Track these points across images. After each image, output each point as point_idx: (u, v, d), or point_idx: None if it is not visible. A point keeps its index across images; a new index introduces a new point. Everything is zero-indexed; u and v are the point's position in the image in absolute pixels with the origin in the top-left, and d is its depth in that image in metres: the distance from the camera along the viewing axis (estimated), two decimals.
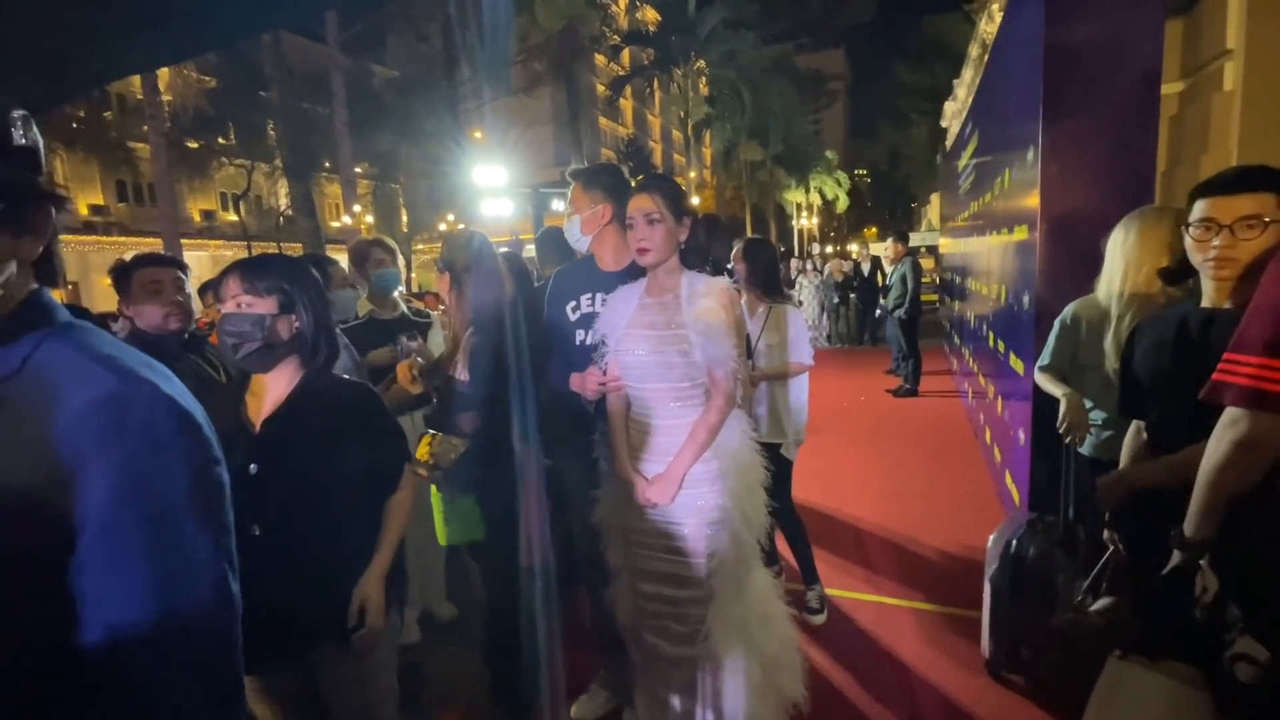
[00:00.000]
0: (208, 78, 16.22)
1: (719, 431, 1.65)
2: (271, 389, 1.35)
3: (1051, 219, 2.86)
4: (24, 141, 0.60)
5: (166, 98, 14.89)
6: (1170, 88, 2.91)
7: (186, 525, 0.59)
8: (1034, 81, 2.93)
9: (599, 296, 1.91)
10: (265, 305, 1.31)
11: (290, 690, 1.36)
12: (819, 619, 2.63)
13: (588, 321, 1.89)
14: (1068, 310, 2.14)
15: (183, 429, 0.60)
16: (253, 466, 1.26)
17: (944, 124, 9.55)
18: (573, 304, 1.97)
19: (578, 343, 1.93)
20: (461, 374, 1.86)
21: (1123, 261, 1.89)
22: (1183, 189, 2.91)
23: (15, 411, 0.56)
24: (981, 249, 5.15)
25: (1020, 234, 3.34)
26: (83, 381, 0.57)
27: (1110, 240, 1.96)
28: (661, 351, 1.64)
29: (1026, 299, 3.16)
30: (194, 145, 16.24)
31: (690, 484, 1.66)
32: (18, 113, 0.60)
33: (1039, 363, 2.23)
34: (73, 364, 0.59)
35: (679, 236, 1.68)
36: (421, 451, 1.90)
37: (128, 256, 1.96)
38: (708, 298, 1.64)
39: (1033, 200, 2.95)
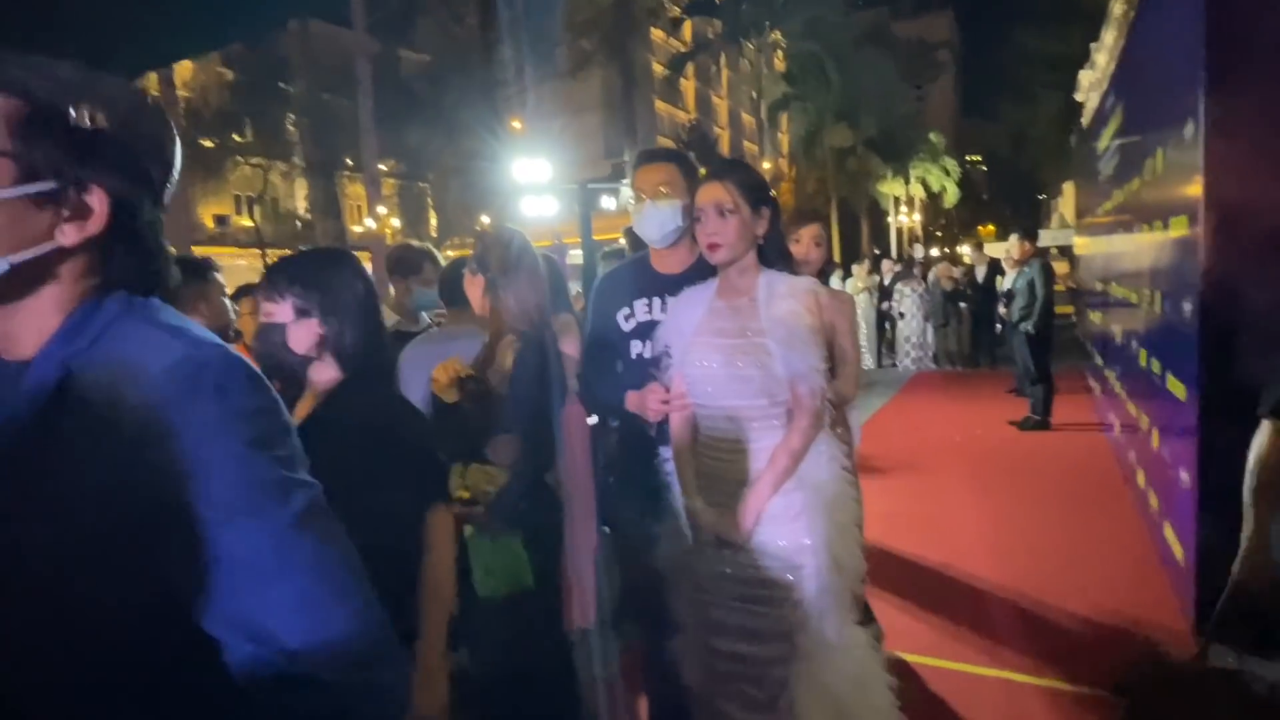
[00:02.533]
0: (226, 69, 17.49)
1: (803, 458, 1.67)
2: (309, 403, 1.40)
3: (1218, 207, 2.78)
4: (84, 124, 0.68)
5: (183, 93, 16.16)
6: None
7: (278, 471, 0.69)
8: (1194, 39, 2.87)
9: (657, 302, 1.97)
10: (281, 312, 1.34)
11: None
12: None
13: (645, 331, 1.95)
14: None
15: (257, 386, 0.70)
16: None
17: (1079, 98, 9.24)
18: (625, 311, 2.03)
19: (634, 356, 1.99)
20: (504, 386, 1.91)
21: None
22: None
23: (89, 390, 0.64)
24: (1129, 248, 4.99)
25: (1178, 228, 3.24)
26: (154, 351, 0.66)
27: None
28: (736, 363, 1.68)
29: (1188, 307, 3.06)
30: (209, 144, 17.50)
31: (770, 520, 1.68)
32: (93, 94, 0.69)
33: (1261, 406, 1.96)
34: (142, 337, 0.68)
35: (756, 230, 1.72)
36: (454, 483, 1.97)
37: None
38: (790, 299, 1.67)
39: (1194, 186, 2.87)
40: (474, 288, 2.00)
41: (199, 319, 2.15)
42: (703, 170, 1.93)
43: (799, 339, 1.65)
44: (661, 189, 1.92)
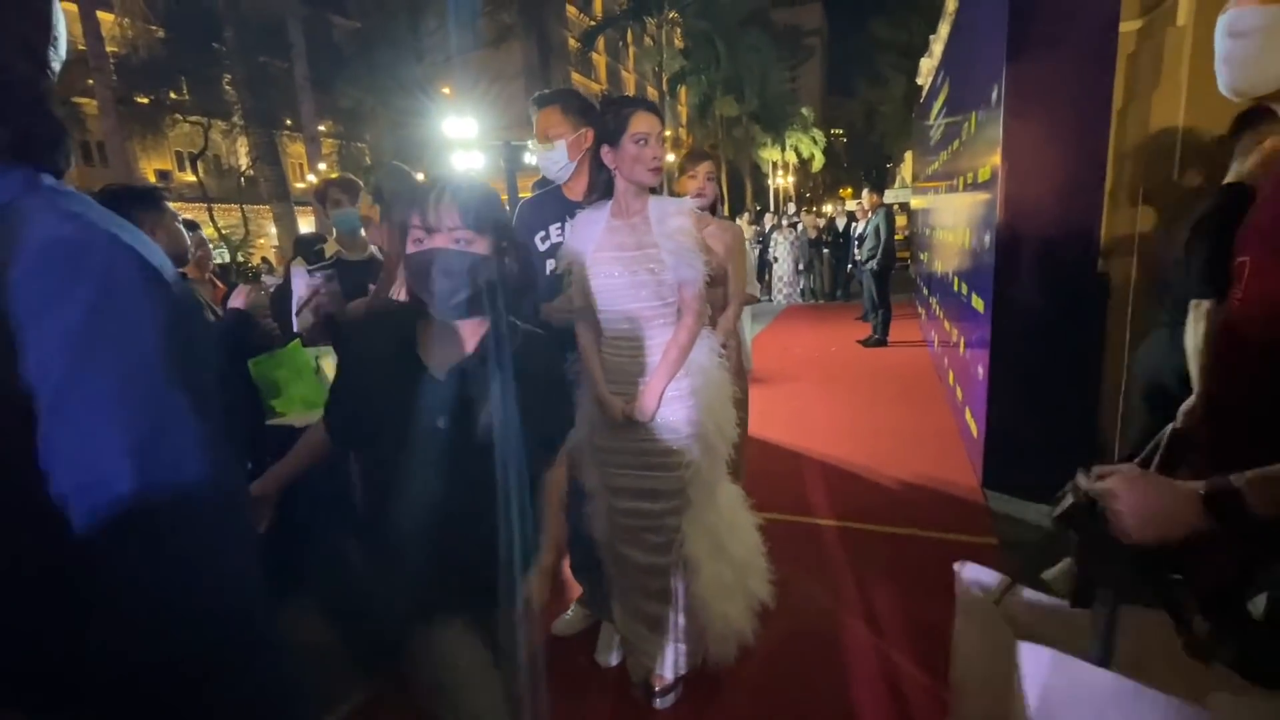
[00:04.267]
0: (155, 26, 15.35)
1: (690, 349, 1.72)
2: (461, 337, 1.19)
3: (1013, 156, 2.94)
4: None
5: (111, 49, 14.09)
6: (1128, 25, 2.97)
7: (157, 379, 0.52)
8: (999, 20, 2.98)
9: (568, 225, 1.94)
10: (483, 245, 1.13)
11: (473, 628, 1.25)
12: None
13: (558, 251, 1.92)
14: None
15: (147, 277, 0.54)
16: (440, 420, 1.13)
17: (920, 81, 9.52)
18: (542, 234, 2.00)
19: (549, 273, 1.97)
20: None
21: None
22: (1136, 127, 3.01)
23: None
24: (949, 199, 5.25)
25: (984, 175, 3.43)
26: (39, 226, 0.52)
27: None
28: (634, 272, 1.69)
29: (987, 239, 3.27)
30: (144, 100, 15.45)
31: (665, 401, 1.73)
32: None
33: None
34: (35, 212, 0.53)
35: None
36: None
37: (98, 188, 1.91)
38: (678, 218, 1.69)
39: (996, 140, 3.02)
40: (373, 216, 1.96)
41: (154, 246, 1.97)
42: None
43: (686, 250, 1.67)
44: (550, 133, 1.90)
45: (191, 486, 0.53)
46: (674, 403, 1.74)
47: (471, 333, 1.18)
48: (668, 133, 25.49)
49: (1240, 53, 0.85)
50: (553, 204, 2.02)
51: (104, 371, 0.50)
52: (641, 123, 1.66)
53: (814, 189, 42.44)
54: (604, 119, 1.68)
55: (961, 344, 4.22)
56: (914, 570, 2.54)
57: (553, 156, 1.94)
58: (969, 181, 4.02)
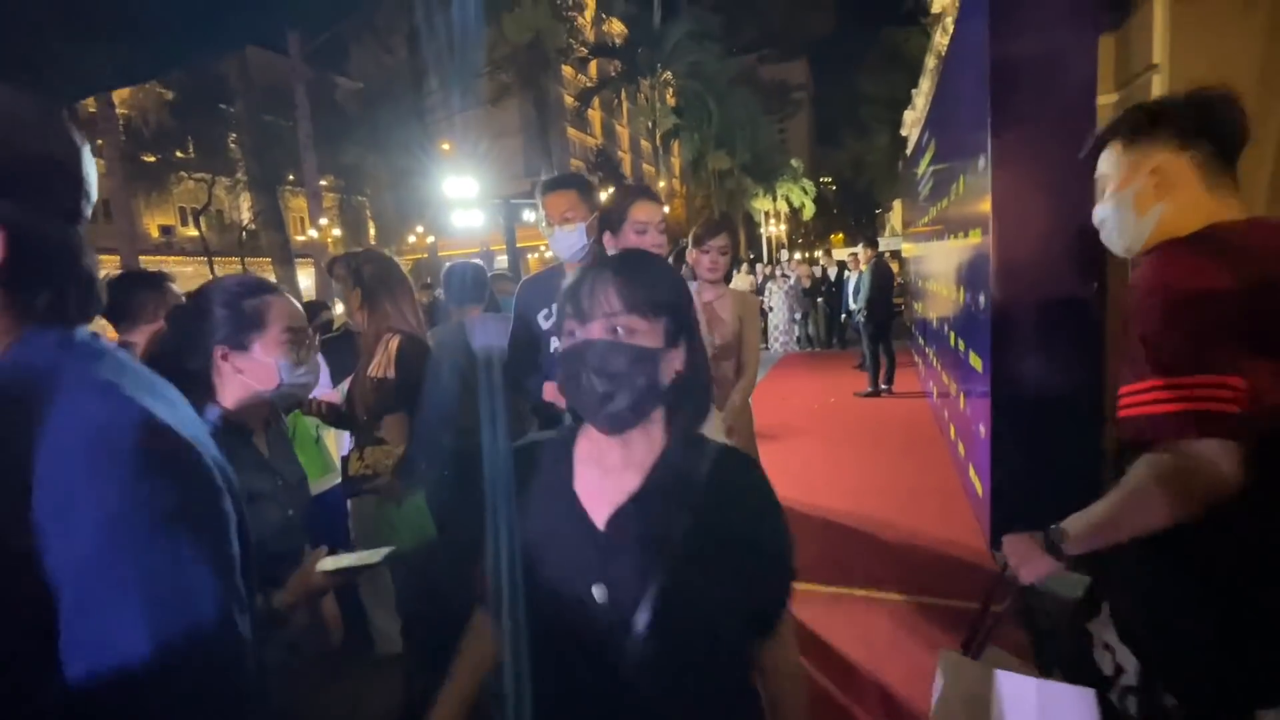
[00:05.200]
0: (166, 90, 15.87)
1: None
2: (620, 462, 0.85)
3: (1003, 221, 3.01)
4: None
5: (121, 110, 14.53)
6: (1105, 99, 3.10)
7: (181, 552, 0.53)
8: (982, 94, 3.09)
9: None
10: (653, 334, 0.81)
11: None
12: None
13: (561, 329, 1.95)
14: None
15: (175, 454, 0.55)
16: (598, 590, 0.79)
17: (904, 133, 9.88)
18: (545, 311, 2.02)
19: (552, 350, 1.98)
20: (387, 373, 1.89)
21: None
22: None
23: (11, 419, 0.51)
24: (941, 253, 5.34)
25: (975, 237, 3.50)
26: (73, 405, 0.52)
27: None
28: None
29: (982, 300, 3.31)
30: (150, 159, 15.85)
31: None
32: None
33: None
34: (70, 386, 0.54)
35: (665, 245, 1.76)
36: (354, 466, 1.92)
37: (109, 273, 1.94)
38: None
39: (985, 205, 3.10)
40: (352, 300, 2.03)
41: (158, 327, 1.98)
42: (605, 189, 1.93)
43: None
44: (566, 215, 1.93)
45: (213, 671, 0.54)
46: None
47: (641, 453, 0.85)
48: (661, 184, 26.27)
49: (1108, 235, 1.12)
50: (557, 282, 2.04)
51: (133, 562, 0.50)
52: (641, 211, 1.70)
53: (805, 236, 43.29)
54: (607, 208, 1.73)
55: (961, 400, 4.22)
56: (922, 643, 2.47)
57: (572, 238, 1.94)
58: (960, 241, 4.10)
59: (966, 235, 3.82)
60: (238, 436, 1.26)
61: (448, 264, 2.76)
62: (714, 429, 1.78)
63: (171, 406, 0.59)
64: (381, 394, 1.88)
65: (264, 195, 14.42)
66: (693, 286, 1.81)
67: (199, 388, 1.21)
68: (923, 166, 6.76)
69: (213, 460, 0.59)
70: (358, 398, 1.97)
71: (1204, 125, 1.00)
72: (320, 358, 2.31)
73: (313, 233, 16.53)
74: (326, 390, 2.50)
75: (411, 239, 21.07)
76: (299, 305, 1.33)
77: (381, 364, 1.90)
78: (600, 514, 0.82)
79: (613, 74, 25.30)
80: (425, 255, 21.17)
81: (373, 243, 20.66)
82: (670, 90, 25.71)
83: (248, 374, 1.21)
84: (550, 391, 1.88)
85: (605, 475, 0.85)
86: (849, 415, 6.36)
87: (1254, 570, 0.91)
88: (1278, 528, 0.89)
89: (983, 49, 3.03)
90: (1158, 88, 2.70)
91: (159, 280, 2.09)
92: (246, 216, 18.57)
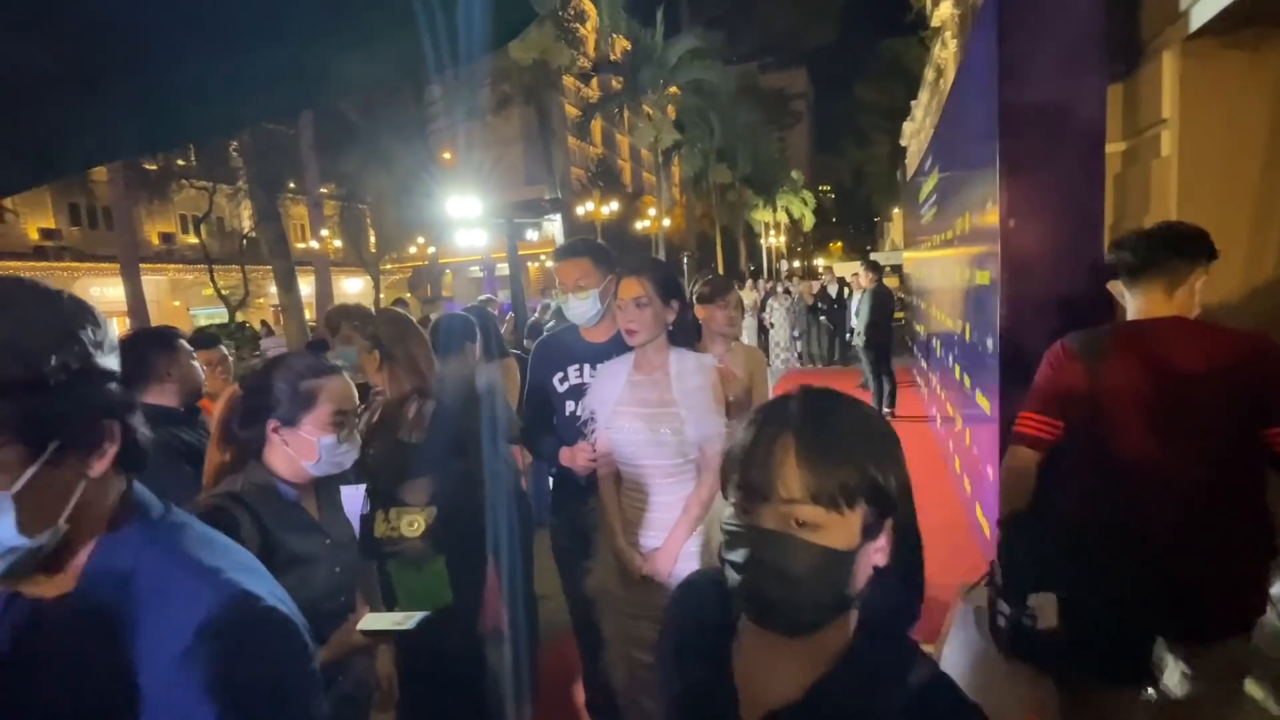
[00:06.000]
0: None
1: (710, 505, 1.72)
2: (788, 650, 0.68)
3: (1011, 267, 3.01)
4: (105, 364, 0.60)
5: None
6: (1114, 147, 3.10)
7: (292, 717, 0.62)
8: (990, 137, 3.09)
9: (586, 368, 1.97)
10: (844, 530, 0.64)
11: None
12: None
13: (578, 393, 1.94)
14: None
15: (282, 635, 0.63)
16: None
17: (903, 142, 9.94)
18: (560, 375, 2.02)
19: (567, 413, 1.97)
20: (413, 436, 1.88)
21: None
22: None
23: (117, 627, 0.57)
24: (945, 282, 5.34)
25: (983, 278, 3.50)
26: (184, 600, 0.59)
27: None
28: (654, 430, 1.70)
29: (990, 343, 3.31)
30: (152, 167, 15.85)
31: (681, 557, 1.71)
32: (102, 333, 0.61)
33: None
34: (172, 579, 0.61)
35: (666, 318, 1.75)
36: (380, 529, 1.90)
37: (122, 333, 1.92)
38: (697, 376, 1.71)
39: (993, 247, 3.09)
40: (370, 363, 2.02)
41: (171, 385, 1.97)
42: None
43: (706, 408, 1.69)
44: (580, 283, 1.93)
45: None
46: (691, 560, 1.72)
47: (815, 659, 0.68)
48: (664, 196, 26.30)
49: None
50: (571, 344, 2.05)
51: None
52: (622, 290, 1.71)
53: (805, 245, 43.42)
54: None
55: (967, 437, 4.22)
56: None
57: (585, 305, 1.95)
58: (965, 277, 4.10)
59: (973, 273, 3.81)
60: (288, 501, 1.34)
61: (434, 316, 2.76)
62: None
63: (256, 576, 0.65)
64: (409, 457, 1.87)
65: (264, 202, 14.39)
66: (701, 359, 1.80)
67: (253, 453, 1.32)
68: (926, 191, 6.77)
69: (301, 622, 0.65)
70: (383, 460, 1.95)
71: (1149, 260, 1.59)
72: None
73: (314, 242, 16.53)
74: None
75: (412, 249, 21.07)
76: (353, 387, 1.41)
77: (409, 428, 1.89)
78: (752, 713, 0.68)
79: (616, 87, 25.41)
80: (425, 263, 21.16)
81: (373, 251, 20.63)
82: (671, 106, 25.84)
83: (292, 447, 1.31)
84: (567, 456, 1.88)
85: (769, 675, 0.69)
86: None
87: (1073, 502, 1.68)
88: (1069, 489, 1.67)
89: (991, 92, 3.03)
90: (1167, 143, 2.70)
91: (171, 338, 2.08)
92: (247, 225, 18.56)
